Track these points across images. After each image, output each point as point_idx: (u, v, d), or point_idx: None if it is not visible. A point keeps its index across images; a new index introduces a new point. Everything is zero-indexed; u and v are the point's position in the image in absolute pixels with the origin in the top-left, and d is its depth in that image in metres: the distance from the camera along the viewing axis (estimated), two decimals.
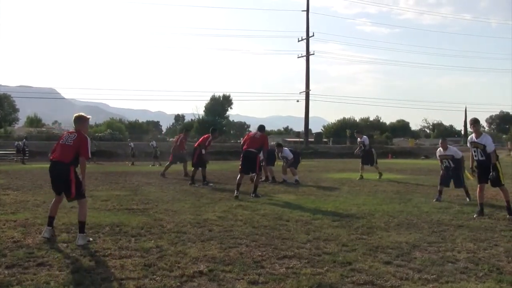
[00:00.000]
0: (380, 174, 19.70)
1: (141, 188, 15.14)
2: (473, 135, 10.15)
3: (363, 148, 20.17)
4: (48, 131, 72.36)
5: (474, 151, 10.10)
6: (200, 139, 17.08)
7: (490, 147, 9.93)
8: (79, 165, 7.45)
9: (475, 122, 10.11)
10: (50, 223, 7.46)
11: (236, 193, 12.65)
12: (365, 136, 20.78)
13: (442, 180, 12.42)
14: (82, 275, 5.40)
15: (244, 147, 13.53)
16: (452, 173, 12.34)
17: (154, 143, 38.95)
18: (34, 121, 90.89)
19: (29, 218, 9.05)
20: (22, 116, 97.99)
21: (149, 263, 5.91)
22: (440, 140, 12.94)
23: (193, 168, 17.00)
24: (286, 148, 18.64)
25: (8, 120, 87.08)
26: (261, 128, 14.01)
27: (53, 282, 5.12)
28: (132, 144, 39.53)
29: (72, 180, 7.36)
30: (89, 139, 7.63)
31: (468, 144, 10.35)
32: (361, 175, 19.52)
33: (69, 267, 5.72)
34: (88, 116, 7.95)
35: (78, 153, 7.36)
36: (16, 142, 44.13)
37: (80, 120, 7.69)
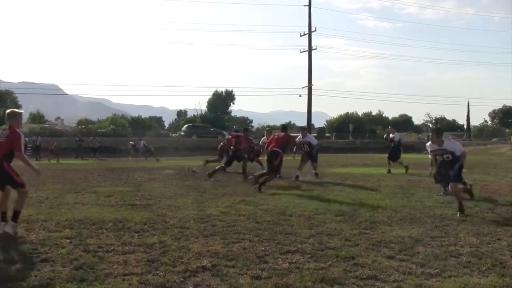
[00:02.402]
0: (406, 168, 19.83)
1: (144, 183, 15.15)
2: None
3: (392, 144, 20.62)
4: (51, 127, 72.28)
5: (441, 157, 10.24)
6: (241, 141, 17.34)
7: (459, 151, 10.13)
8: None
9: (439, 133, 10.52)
10: (3, 218, 7.49)
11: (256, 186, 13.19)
12: (397, 133, 21.26)
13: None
14: (86, 271, 5.41)
15: (270, 146, 14.27)
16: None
17: (142, 142, 38.79)
18: (36, 117, 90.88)
19: (32, 214, 9.05)
20: (25, 113, 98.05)
21: (152, 258, 5.92)
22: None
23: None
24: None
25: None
26: (284, 127, 15.61)
27: (56, 278, 5.14)
28: (142, 142, 39.33)
29: (9, 173, 7.35)
30: (22, 135, 7.57)
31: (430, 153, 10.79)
32: (389, 169, 19.82)
33: (73, 263, 5.73)
34: (20, 111, 7.91)
35: (12, 150, 7.32)
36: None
37: (12, 116, 7.64)
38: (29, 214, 9.00)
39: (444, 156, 10.15)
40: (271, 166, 13.92)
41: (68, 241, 6.90)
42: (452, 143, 10.48)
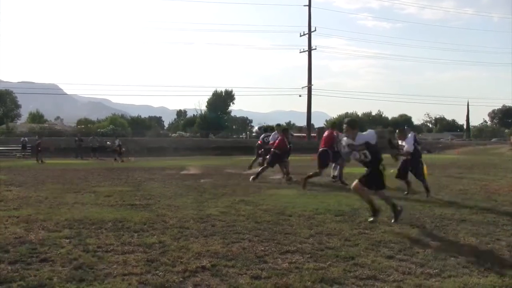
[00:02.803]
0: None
1: (143, 183, 15.14)
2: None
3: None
4: (51, 127, 72.39)
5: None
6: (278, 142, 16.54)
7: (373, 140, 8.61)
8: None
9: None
10: None
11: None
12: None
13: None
14: (85, 270, 5.41)
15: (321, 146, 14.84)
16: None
17: (117, 141, 38.59)
18: (36, 117, 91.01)
19: (31, 214, 9.05)
20: (24, 112, 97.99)
21: (152, 258, 5.92)
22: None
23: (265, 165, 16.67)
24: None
25: (10, 116, 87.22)
26: (333, 125, 16.29)
27: (56, 278, 5.13)
28: (117, 141, 38.92)
29: None
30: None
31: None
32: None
33: (72, 262, 5.72)
34: None
35: None
36: (22, 138, 43.95)
37: None
38: (29, 214, 9.00)
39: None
40: (322, 164, 14.44)
41: (67, 241, 6.89)
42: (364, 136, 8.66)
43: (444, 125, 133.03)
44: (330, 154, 14.30)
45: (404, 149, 11.93)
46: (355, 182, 8.67)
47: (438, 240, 7.05)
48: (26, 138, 41.89)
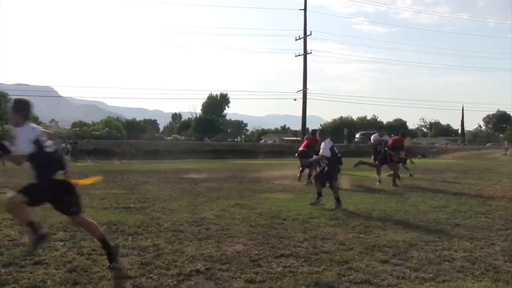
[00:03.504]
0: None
1: (138, 186, 15.12)
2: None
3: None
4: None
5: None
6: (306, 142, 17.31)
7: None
8: None
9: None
10: None
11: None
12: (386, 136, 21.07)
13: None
14: (79, 273, 5.40)
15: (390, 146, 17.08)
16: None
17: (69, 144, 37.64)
18: (31, 120, 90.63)
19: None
20: None
21: (146, 261, 5.92)
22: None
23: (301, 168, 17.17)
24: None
25: (5, 119, 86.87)
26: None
27: (49, 281, 5.13)
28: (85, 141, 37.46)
29: None
30: None
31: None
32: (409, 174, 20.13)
33: (66, 265, 5.71)
34: None
35: None
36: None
37: None
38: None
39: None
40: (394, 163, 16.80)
41: (61, 243, 6.88)
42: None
43: (439, 130, 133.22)
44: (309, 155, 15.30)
45: (320, 153, 11.19)
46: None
47: (432, 245, 7.06)
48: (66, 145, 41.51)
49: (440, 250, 6.76)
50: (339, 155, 11.15)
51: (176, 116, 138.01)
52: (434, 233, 7.94)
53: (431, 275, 5.50)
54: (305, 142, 17.57)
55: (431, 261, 6.11)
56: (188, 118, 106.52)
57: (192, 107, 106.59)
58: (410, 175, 19.72)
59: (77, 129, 74.10)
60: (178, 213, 9.65)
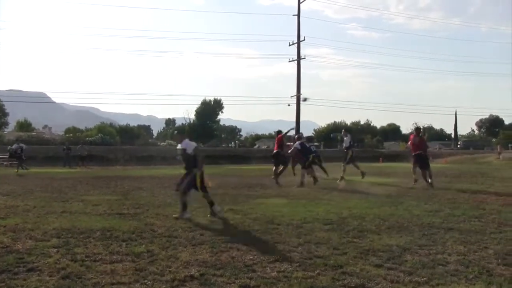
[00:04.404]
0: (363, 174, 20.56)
1: (132, 192, 15.10)
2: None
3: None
4: (39, 136, 71.94)
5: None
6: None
7: (190, 150, 10.34)
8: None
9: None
10: None
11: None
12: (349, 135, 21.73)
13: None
14: (73, 280, 5.38)
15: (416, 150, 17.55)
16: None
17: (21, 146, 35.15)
18: (24, 126, 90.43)
19: (19, 223, 9.00)
20: (12, 121, 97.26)
21: (140, 267, 5.91)
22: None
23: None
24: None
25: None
26: (417, 130, 18.72)
27: None
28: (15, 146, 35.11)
29: None
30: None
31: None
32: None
33: (60, 272, 5.69)
34: None
35: None
36: (9, 147, 42.82)
37: None
38: (16, 223, 8.96)
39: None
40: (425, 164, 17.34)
41: (55, 250, 6.86)
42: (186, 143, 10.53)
43: (432, 134, 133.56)
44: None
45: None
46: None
47: (426, 249, 7.07)
48: (13, 146, 40.98)
49: (434, 254, 6.77)
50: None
51: (169, 122, 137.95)
52: (427, 237, 7.96)
53: (425, 278, 5.51)
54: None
55: (425, 265, 6.11)
56: (182, 123, 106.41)
57: (186, 112, 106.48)
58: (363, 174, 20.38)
59: (71, 135, 73.92)
60: (172, 219, 9.64)
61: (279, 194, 14.72)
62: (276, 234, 8.08)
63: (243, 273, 5.72)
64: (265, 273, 5.72)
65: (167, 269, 5.86)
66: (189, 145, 10.40)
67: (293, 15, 61.09)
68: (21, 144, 33.92)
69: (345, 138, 21.17)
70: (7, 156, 38.30)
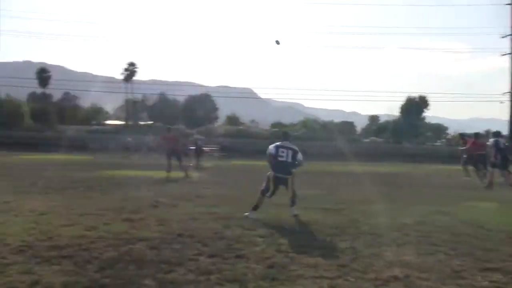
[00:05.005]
0: None
1: (336, 188, 15.12)
2: None
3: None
4: (246, 130, 75.64)
5: None
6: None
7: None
8: None
9: None
10: None
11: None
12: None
13: None
14: (278, 270, 5.54)
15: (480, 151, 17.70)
16: None
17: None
18: (232, 120, 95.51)
19: (228, 211, 9.46)
20: (221, 115, 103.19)
21: (344, 263, 5.88)
22: None
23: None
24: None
25: (209, 118, 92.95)
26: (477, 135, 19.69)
27: (250, 274, 5.34)
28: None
29: None
30: None
31: None
32: None
33: (265, 261, 5.90)
34: None
35: None
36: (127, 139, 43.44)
37: None
38: (226, 212, 9.42)
39: None
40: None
41: (261, 239, 7.11)
42: None
43: None
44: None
45: None
46: None
47: None
48: (130, 139, 42.52)
49: None
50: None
51: (373, 118, 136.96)
52: None
53: None
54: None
55: None
56: (386, 120, 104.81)
57: (389, 109, 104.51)
58: None
59: (276, 129, 76.61)
60: (377, 216, 9.43)
61: (488, 196, 13.61)
62: (487, 240, 7.50)
63: (451, 279, 5.42)
64: (476, 281, 5.36)
65: (371, 267, 5.76)
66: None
67: (506, 4, 56.98)
68: (199, 137, 34.67)
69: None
70: (216, 148, 40.41)
